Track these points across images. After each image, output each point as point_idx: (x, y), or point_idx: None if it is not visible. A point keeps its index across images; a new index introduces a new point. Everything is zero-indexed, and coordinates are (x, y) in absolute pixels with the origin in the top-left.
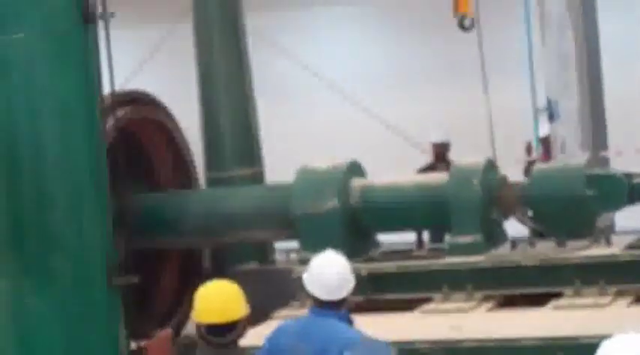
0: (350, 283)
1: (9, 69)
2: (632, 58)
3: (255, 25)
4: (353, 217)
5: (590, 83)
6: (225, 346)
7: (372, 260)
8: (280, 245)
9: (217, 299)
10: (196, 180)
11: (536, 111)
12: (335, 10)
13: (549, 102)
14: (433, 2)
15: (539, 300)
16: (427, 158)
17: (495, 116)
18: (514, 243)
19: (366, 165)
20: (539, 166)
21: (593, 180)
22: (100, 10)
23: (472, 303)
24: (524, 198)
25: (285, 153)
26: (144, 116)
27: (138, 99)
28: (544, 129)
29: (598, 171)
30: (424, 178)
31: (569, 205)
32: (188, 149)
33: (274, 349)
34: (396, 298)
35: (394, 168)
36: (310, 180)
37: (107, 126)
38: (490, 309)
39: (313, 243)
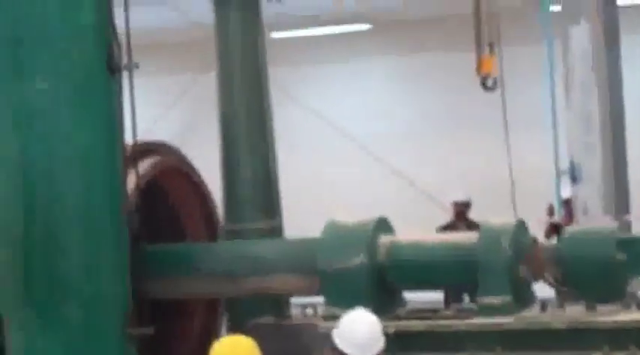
0: (380, 342)
1: (31, 117)
2: None
3: (277, 79)
4: (380, 274)
5: (613, 145)
6: None
7: (398, 318)
8: (296, 299)
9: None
10: (221, 231)
11: (559, 173)
12: (358, 65)
13: (572, 163)
14: (456, 58)
15: None
16: (445, 213)
17: (517, 176)
18: (543, 305)
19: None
20: (569, 229)
21: (624, 244)
22: (124, 60)
23: None
24: (555, 260)
25: (302, 205)
26: (170, 166)
27: (158, 150)
28: (566, 191)
29: (629, 235)
30: (453, 237)
31: (600, 269)
32: (213, 201)
33: None
34: None
35: (412, 223)
36: (338, 235)
37: (134, 176)
38: None
39: (339, 299)
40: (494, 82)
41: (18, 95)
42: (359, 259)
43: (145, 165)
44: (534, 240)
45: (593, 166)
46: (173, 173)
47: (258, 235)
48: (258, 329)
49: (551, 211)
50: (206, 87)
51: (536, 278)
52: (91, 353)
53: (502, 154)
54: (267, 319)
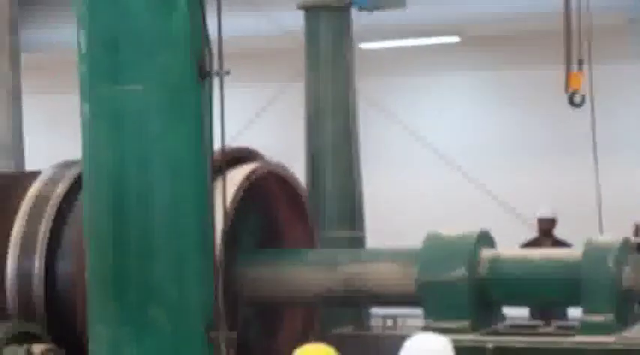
0: None
1: (123, 119)
2: None
3: (364, 90)
4: (480, 288)
5: None
6: None
7: (497, 333)
8: (376, 310)
9: None
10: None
11: None
12: (446, 78)
13: None
14: (547, 75)
15: None
16: (530, 230)
17: (605, 195)
18: None
19: None
20: None
21: None
22: (215, 67)
23: None
24: None
25: (386, 218)
26: (271, 171)
27: (247, 157)
28: None
29: None
30: (556, 253)
31: None
32: (311, 208)
33: None
34: None
35: (496, 239)
36: (439, 248)
37: (238, 179)
38: None
39: (438, 312)
40: (582, 99)
41: (112, 99)
42: (460, 272)
43: (245, 169)
44: (639, 259)
45: None
46: (274, 178)
47: (340, 245)
48: (339, 339)
49: (637, 231)
50: (296, 96)
51: None
52: None
53: (590, 172)
54: (348, 329)
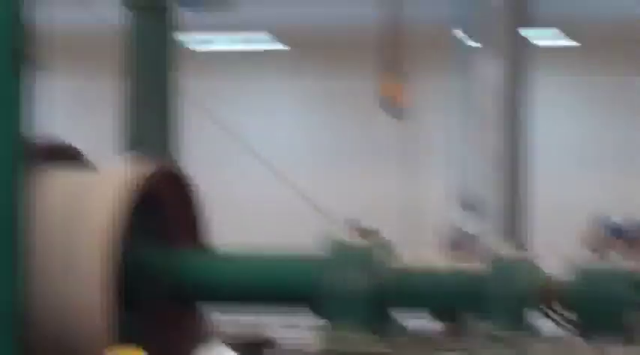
0: None
1: None
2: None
3: (190, 92)
4: (382, 297)
5: (512, 179)
6: None
7: (397, 344)
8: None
9: None
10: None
11: (455, 203)
12: (272, 84)
13: (469, 196)
14: (362, 83)
15: None
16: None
17: (419, 205)
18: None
19: (283, 237)
20: (583, 264)
21: (637, 283)
22: (32, 58)
23: None
24: (566, 295)
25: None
26: (162, 171)
27: (62, 151)
28: (463, 222)
29: None
30: (462, 265)
31: (613, 307)
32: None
33: None
34: None
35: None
36: (340, 255)
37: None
38: None
39: (337, 321)
40: (401, 111)
41: None
42: (361, 281)
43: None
44: (546, 273)
45: (490, 199)
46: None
47: None
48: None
49: (445, 241)
50: (120, 92)
51: (546, 313)
52: None
53: (404, 182)
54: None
